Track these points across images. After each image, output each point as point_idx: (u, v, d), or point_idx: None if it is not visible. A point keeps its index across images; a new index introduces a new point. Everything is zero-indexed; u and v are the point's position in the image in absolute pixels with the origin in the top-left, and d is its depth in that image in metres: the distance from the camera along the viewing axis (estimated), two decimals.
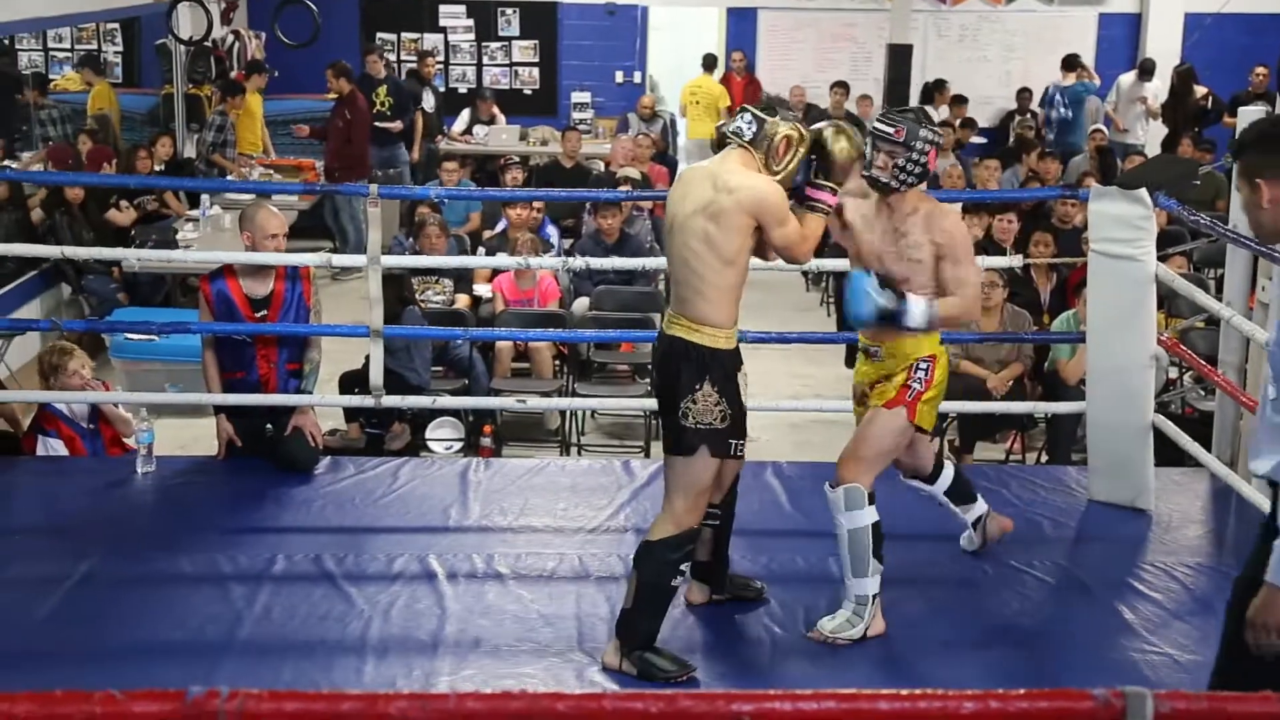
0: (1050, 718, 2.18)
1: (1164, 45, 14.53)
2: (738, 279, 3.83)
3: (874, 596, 4.12)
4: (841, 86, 13.56)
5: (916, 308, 3.98)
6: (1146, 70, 13.81)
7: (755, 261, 3.96)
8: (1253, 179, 2.94)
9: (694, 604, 4.30)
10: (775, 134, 3.85)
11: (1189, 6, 14.73)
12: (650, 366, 7.49)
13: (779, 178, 3.86)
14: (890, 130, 4.05)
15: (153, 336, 7.67)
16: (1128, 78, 13.90)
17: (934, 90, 13.92)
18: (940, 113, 13.28)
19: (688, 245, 3.82)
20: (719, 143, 3.95)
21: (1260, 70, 13.22)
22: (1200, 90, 13.50)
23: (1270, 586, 2.88)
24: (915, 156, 4.03)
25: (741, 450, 3.95)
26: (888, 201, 4.14)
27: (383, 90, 11.99)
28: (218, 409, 5.56)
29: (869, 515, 4.08)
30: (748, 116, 3.90)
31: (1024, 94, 14.05)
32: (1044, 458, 7.19)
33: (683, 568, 3.91)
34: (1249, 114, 5.56)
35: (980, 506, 4.62)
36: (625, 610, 3.94)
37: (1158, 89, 13.70)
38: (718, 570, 4.30)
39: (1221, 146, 9.49)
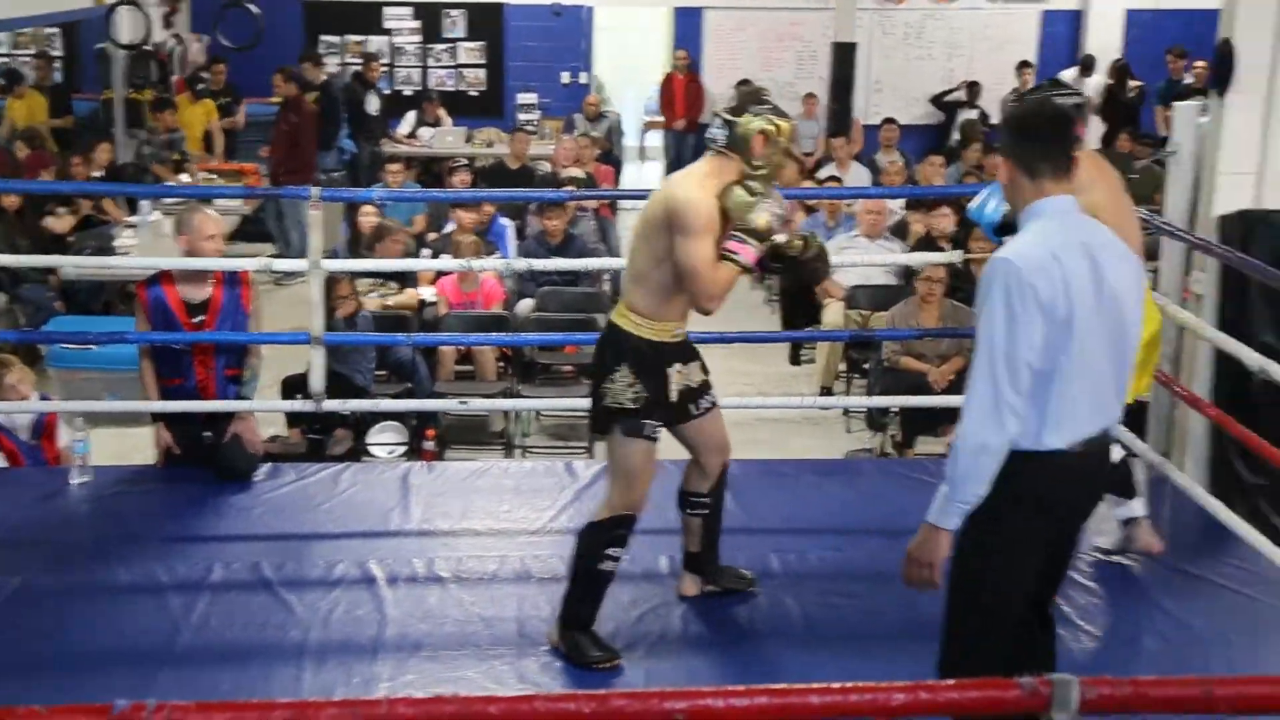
0: (978, 707, 2.19)
1: (1105, 41, 14.66)
2: (670, 278, 3.84)
3: None
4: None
5: None
6: (1088, 66, 13.93)
7: None
8: (1004, 157, 3.20)
9: (686, 595, 4.32)
10: (749, 133, 3.85)
11: (1129, 3, 14.87)
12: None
13: (763, 173, 3.86)
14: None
15: (89, 345, 7.58)
16: (1069, 74, 14.01)
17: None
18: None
19: (634, 236, 3.95)
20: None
21: (1199, 63, 13.36)
22: (1133, 84, 13.63)
23: (928, 525, 3.05)
24: None
25: (656, 433, 3.94)
26: None
27: (312, 97, 11.93)
28: (155, 417, 5.50)
29: None
30: (719, 121, 3.94)
31: (974, 87, 14.09)
32: None
33: (612, 553, 3.93)
34: (1184, 109, 5.63)
35: (1139, 507, 4.57)
36: (565, 590, 4.02)
37: (1098, 85, 13.83)
38: (709, 561, 4.33)
39: None
